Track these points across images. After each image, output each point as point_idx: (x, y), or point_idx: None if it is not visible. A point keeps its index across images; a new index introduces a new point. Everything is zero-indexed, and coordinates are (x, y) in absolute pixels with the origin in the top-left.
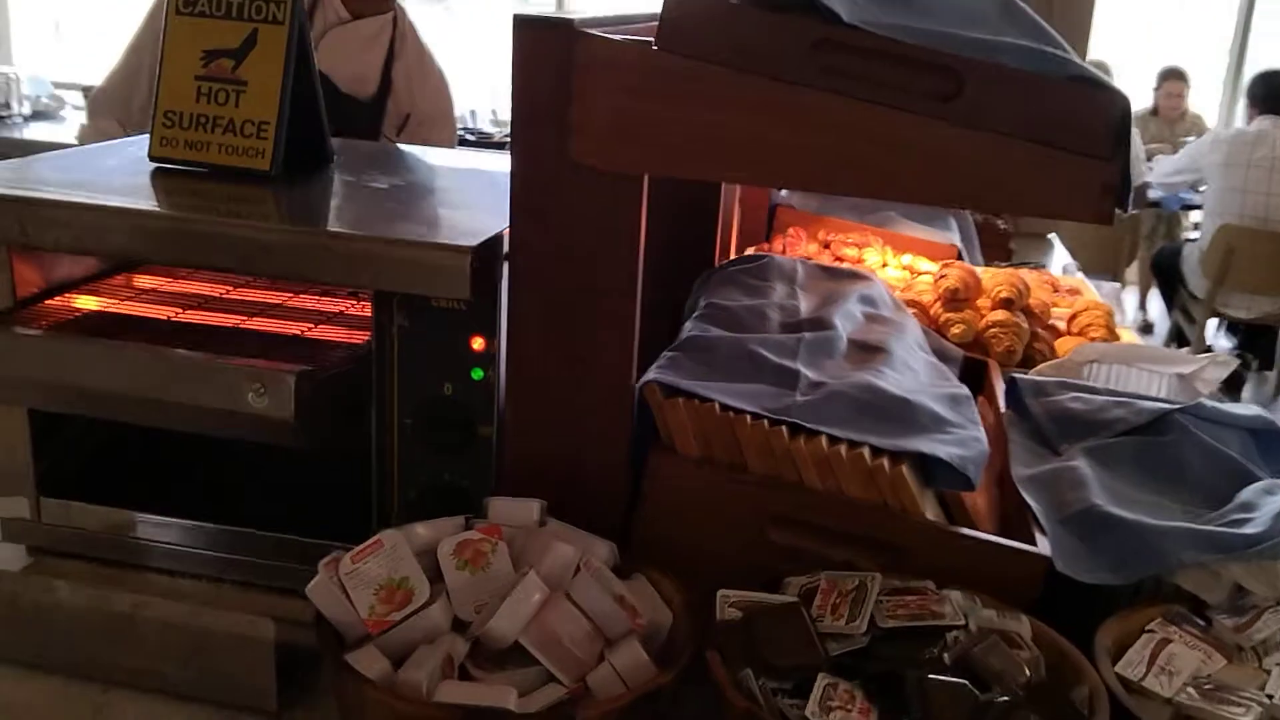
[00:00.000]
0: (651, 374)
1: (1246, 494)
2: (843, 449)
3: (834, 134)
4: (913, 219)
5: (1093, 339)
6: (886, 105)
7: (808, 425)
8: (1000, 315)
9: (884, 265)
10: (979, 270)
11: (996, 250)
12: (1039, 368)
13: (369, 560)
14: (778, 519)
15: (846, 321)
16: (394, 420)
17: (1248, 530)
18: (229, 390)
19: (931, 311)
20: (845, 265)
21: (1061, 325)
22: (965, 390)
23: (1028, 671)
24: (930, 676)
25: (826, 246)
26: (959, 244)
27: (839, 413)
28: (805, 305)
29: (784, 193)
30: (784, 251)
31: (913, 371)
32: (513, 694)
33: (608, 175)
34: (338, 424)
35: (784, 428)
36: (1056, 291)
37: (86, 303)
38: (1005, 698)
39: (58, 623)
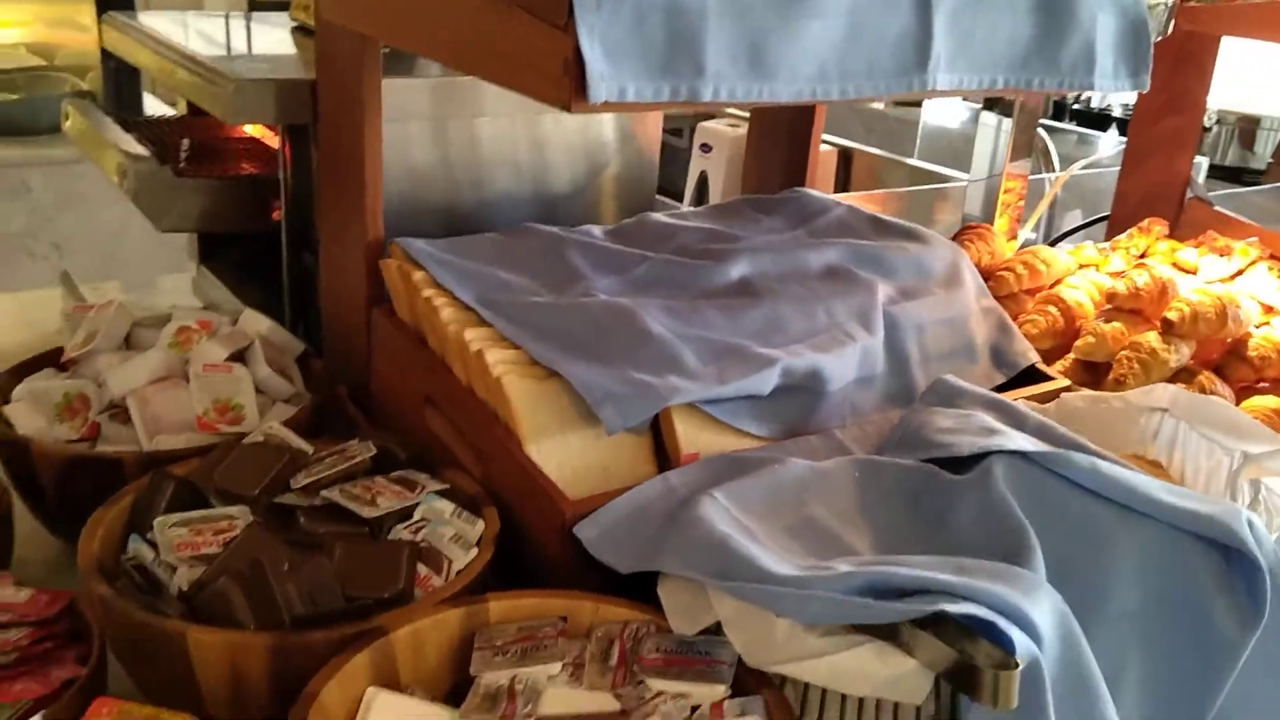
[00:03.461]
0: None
1: (929, 560)
2: (478, 344)
3: None
4: None
5: None
6: None
7: (485, 317)
8: (1145, 338)
9: (1235, 275)
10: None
11: None
12: (1065, 396)
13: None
14: (430, 401)
15: (775, 263)
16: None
17: (802, 573)
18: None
19: (1081, 319)
20: (894, 224)
21: None
22: (787, 358)
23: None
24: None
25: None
26: None
27: (554, 323)
28: (761, 243)
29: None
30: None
31: (763, 325)
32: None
33: (347, 34)
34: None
35: (449, 309)
36: None
37: None
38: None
39: None
